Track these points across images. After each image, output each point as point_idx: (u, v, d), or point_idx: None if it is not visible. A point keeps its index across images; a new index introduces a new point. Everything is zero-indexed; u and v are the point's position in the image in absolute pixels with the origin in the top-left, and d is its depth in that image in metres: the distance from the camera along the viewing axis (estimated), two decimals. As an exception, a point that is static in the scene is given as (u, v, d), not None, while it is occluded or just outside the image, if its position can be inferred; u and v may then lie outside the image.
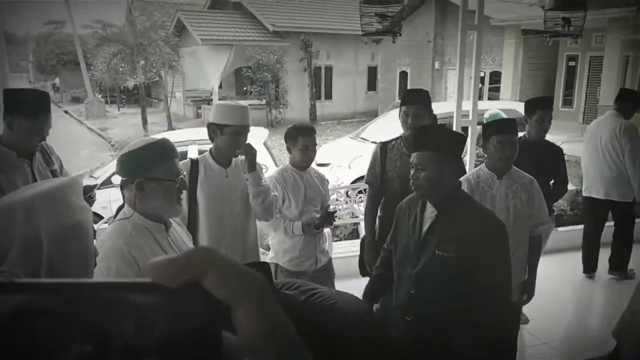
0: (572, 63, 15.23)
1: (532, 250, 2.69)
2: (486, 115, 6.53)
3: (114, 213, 1.80)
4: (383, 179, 3.05)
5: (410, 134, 2.91)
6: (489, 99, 16.16)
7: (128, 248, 1.58)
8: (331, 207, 3.01)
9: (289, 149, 2.99)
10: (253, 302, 0.28)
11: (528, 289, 2.74)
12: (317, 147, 3.01)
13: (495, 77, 16.59)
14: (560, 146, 3.54)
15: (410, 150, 2.17)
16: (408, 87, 19.43)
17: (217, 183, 2.55)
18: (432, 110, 3.00)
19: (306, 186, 2.96)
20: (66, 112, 25.23)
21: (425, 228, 2.00)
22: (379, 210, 3.09)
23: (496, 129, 2.63)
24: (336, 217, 2.95)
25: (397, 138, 3.09)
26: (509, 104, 10.96)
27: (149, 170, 1.62)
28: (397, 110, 3.09)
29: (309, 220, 2.92)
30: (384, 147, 3.08)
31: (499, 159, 2.62)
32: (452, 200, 1.98)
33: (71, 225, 1.17)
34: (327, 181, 3.20)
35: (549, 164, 3.35)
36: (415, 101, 2.93)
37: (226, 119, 2.50)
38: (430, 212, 2.02)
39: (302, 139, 2.90)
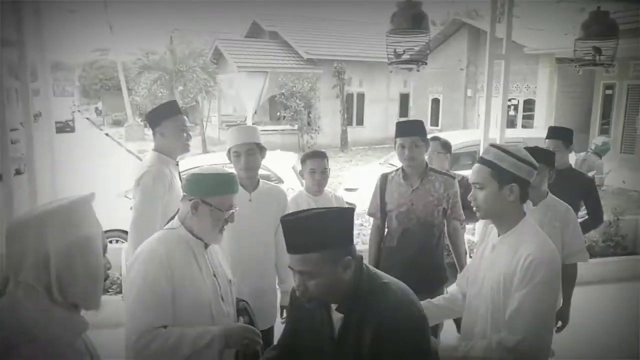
0: (609, 91, 14.91)
1: (566, 278, 2.64)
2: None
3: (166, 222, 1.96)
4: (383, 211, 3.02)
5: (408, 166, 2.92)
6: (523, 126, 15.96)
7: (167, 254, 1.72)
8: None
9: (301, 174, 3.05)
10: None
11: (562, 317, 2.72)
12: (327, 171, 3.01)
13: (529, 105, 16.39)
14: (603, 176, 3.46)
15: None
16: (439, 114, 19.39)
17: (240, 206, 2.55)
18: (428, 141, 2.98)
19: None
20: (107, 134, 26.17)
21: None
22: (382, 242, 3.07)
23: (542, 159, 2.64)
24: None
25: (397, 169, 3.06)
26: (542, 132, 10.82)
27: (208, 195, 1.78)
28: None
29: None
30: (384, 179, 3.07)
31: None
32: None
33: (78, 241, 1.25)
34: (354, 208, 3.21)
35: (579, 196, 3.27)
36: (411, 132, 2.90)
37: (229, 141, 2.62)
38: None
39: (309, 162, 2.97)
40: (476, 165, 1.88)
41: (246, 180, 2.61)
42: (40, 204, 3.44)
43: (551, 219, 2.62)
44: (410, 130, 2.91)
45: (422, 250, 2.86)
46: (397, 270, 2.81)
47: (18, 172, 3.63)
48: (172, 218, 1.89)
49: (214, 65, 20.10)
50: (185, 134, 2.89)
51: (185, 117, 2.97)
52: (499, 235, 1.86)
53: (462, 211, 3.03)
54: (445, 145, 3.68)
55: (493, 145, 1.84)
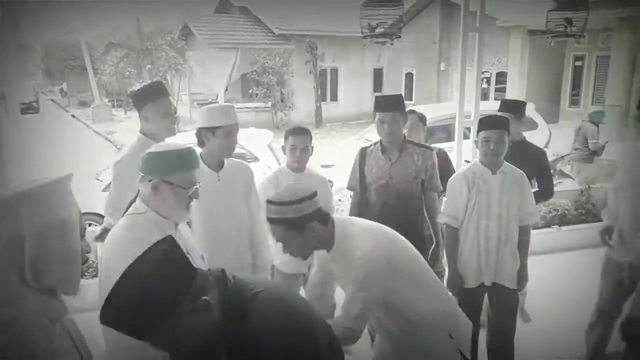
0: (579, 63, 15.18)
1: (521, 240, 2.80)
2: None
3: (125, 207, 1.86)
4: (362, 185, 3.03)
5: (387, 140, 2.92)
6: (495, 99, 16.16)
7: (136, 242, 1.53)
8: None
9: (283, 150, 3.02)
10: None
11: (520, 277, 2.82)
12: (308, 148, 2.97)
13: (501, 77, 16.57)
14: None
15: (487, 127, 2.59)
16: (413, 89, 19.45)
17: (209, 187, 2.47)
18: (406, 115, 3.01)
19: None
20: (73, 116, 25.45)
21: None
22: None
23: (484, 125, 2.73)
24: None
25: (376, 143, 3.07)
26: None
27: (168, 173, 1.70)
28: None
29: None
30: (363, 152, 3.07)
31: (484, 154, 2.73)
32: None
33: (54, 223, 1.20)
34: (330, 183, 3.21)
35: (532, 168, 3.30)
36: (390, 107, 2.91)
37: (217, 120, 2.52)
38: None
39: (291, 138, 2.94)
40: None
41: (218, 161, 2.60)
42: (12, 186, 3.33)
43: (509, 185, 2.73)
44: (389, 105, 2.91)
45: (403, 223, 2.88)
46: None
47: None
48: (133, 201, 1.81)
49: (183, 42, 19.63)
50: (168, 118, 2.80)
51: (170, 99, 2.87)
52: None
53: (439, 182, 3.06)
54: (422, 118, 3.73)
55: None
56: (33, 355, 1.13)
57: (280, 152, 3.23)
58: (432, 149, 3.09)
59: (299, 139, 2.92)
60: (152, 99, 2.77)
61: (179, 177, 1.71)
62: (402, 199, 2.91)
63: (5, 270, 1.17)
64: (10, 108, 3.52)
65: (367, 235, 1.92)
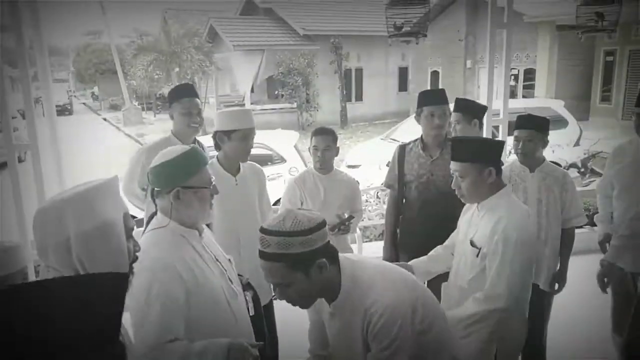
0: (610, 58, 14.78)
1: (564, 242, 2.75)
2: None
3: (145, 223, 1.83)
4: (401, 182, 3.02)
5: (435, 135, 2.91)
6: (524, 96, 15.88)
7: (169, 257, 1.60)
8: (346, 214, 2.99)
9: (309, 151, 3.05)
10: None
11: (560, 279, 2.78)
12: (332, 149, 2.97)
13: (530, 74, 16.27)
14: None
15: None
16: (440, 87, 19.25)
17: (227, 191, 2.49)
18: (449, 110, 2.99)
19: (326, 189, 2.97)
20: (105, 119, 26.06)
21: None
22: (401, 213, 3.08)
23: (516, 124, 2.75)
24: (349, 224, 2.92)
25: (415, 140, 3.05)
26: (542, 101, 10.75)
27: (184, 179, 1.66)
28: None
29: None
30: (402, 150, 3.06)
31: (515, 153, 2.75)
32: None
33: (98, 226, 1.25)
34: (358, 184, 3.20)
35: None
36: (440, 101, 2.89)
37: (234, 124, 2.55)
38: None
39: (314, 139, 2.95)
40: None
41: (235, 164, 2.63)
42: (46, 189, 3.45)
43: (549, 185, 2.69)
44: (438, 99, 2.90)
45: (444, 220, 2.89)
46: (419, 240, 2.87)
47: (19, 160, 3.63)
48: (152, 217, 1.77)
49: (210, 45, 19.89)
50: (189, 117, 2.96)
51: (195, 100, 3.01)
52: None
53: None
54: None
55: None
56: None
57: (306, 152, 3.26)
58: None
59: (323, 140, 2.94)
60: (177, 99, 2.96)
61: (196, 179, 1.69)
62: (443, 196, 2.90)
63: (58, 269, 1.23)
64: (46, 110, 3.64)
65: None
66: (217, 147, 2.61)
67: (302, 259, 1.40)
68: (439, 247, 2.38)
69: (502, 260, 1.88)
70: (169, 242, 1.66)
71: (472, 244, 2.03)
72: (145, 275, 1.57)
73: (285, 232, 1.39)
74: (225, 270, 1.81)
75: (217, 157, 2.66)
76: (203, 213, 1.74)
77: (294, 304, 1.53)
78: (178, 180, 1.66)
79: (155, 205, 1.73)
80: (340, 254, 1.56)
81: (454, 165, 2.05)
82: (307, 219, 1.43)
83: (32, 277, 2.61)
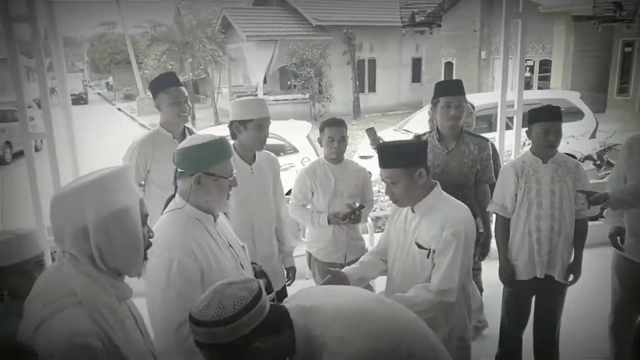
0: (628, 49, 14.52)
1: (577, 233, 2.73)
2: None
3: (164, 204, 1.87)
4: None
5: (451, 127, 2.90)
6: (539, 88, 15.68)
7: (184, 237, 1.65)
8: (357, 203, 3.00)
9: (319, 142, 3.05)
10: None
11: (574, 270, 2.76)
12: (345, 139, 2.98)
13: (545, 65, 16.05)
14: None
15: (380, 165, 2.08)
16: (454, 78, 19.06)
17: (243, 179, 2.47)
18: (466, 101, 2.98)
19: (337, 179, 2.98)
20: (119, 109, 26.27)
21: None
22: None
23: (540, 117, 2.67)
24: (360, 213, 2.92)
25: (431, 131, 3.05)
26: (558, 93, 10.61)
27: (208, 166, 1.70)
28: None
29: (335, 212, 2.95)
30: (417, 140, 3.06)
31: (541, 146, 2.68)
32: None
33: (115, 212, 1.27)
34: (370, 175, 3.19)
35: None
36: (456, 92, 2.89)
37: (249, 113, 2.56)
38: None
39: (327, 130, 2.95)
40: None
41: (250, 153, 2.65)
42: (62, 177, 3.51)
43: (562, 176, 2.67)
44: (455, 90, 2.90)
45: None
46: None
47: (35, 149, 3.69)
48: (170, 199, 1.81)
49: (222, 35, 19.90)
50: (178, 107, 2.93)
51: (181, 88, 2.96)
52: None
53: (493, 174, 3.05)
54: (473, 107, 3.66)
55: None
56: (103, 330, 1.21)
57: (314, 141, 3.25)
58: (487, 140, 3.08)
59: (335, 130, 2.94)
60: (163, 89, 2.92)
61: (219, 168, 1.72)
62: (457, 188, 2.89)
63: (75, 255, 1.25)
64: (61, 99, 3.69)
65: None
66: (234, 136, 2.63)
67: (235, 347, 1.25)
68: (368, 253, 2.41)
69: (454, 254, 1.93)
70: (184, 223, 1.70)
71: (419, 246, 2.03)
72: (163, 255, 1.62)
73: (208, 322, 1.23)
74: (238, 256, 1.84)
75: (233, 146, 2.67)
76: (220, 201, 1.78)
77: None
78: (201, 165, 1.70)
79: (176, 188, 1.78)
80: (295, 305, 1.41)
81: (384, 173, 2.06)
82: (234, 302, 1.25)
83: (48, 263, 2.66)
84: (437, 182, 2.13)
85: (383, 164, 2.05)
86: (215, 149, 1.73)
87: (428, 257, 1.99)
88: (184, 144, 1.76)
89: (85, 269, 1.25)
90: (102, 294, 1.25)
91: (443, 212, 2.00)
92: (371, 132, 3.23)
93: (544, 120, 2.64)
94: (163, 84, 2.94)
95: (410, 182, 2.01)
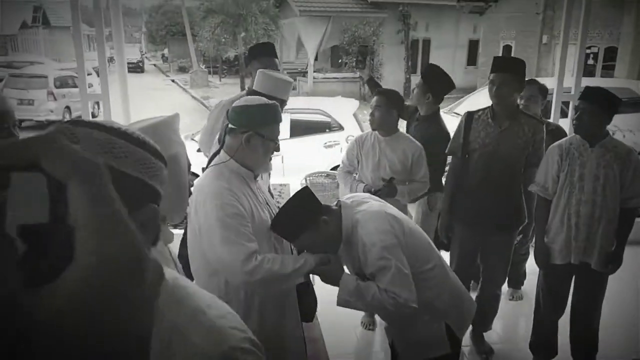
0: None
1: (621, 222, 2.62)
2: None
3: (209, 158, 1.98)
4: (465, 150, 2.96)
5: (496, 103, 2.83)
6: (602, 76, 14.88)
7: (229, 186, 1.75)
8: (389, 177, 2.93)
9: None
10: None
11: (614, 259, 2.66)
12: (383, 110, 2.94)
13: (611, 53, 15.19)
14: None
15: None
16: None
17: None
18: (523, 82, 2.84)
19: (382, 151, 2.97)
20: (173, 80, 26.90)
21: None
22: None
23: (492, 68, 2.74)
24: (387, 186, 2.85)
25: (485, 109, 2.95)
26: (621, 81, 10.05)
27: (259, 127, 1.79)
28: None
29: (371, 185, 2.94)
30: (469, 117, 2.97)
31: (575, 124, 2.61)
32: None
33: (170, 158, 1.33)
34: (423, 151, 3.05)
35: None
36: (502, 69, 2.78)
37: (273, 90, 2.58)
38: None
39: (372, 99, 2.96)
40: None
41: None
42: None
43: (609, 161, 2.56)
44: (502, 67, 2.80)
45: (504, 192, 2.83)
46: (476, 210, 2.88)
47: (92, 116, 3.89)
48: (216, 154, 1.89)
49: (277, 10, 19.92)
50: None
51: (274, 60, 3.00)
52: None
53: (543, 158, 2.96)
54: (542, 90, 3.52)
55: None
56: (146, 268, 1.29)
57: (366, 123, 3.24)
58: (542, 123, 2.99)
59: (377, 99, 2.95)
60: (257, 57, 2.99)
61: (269, 130, 1.81)
62: (507, 168, 2.84)
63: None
64: (119, 67, 3.83)
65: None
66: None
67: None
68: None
69: (393, 272, 1.76)
70: (228, 176, 1.80)
71: (363, 278, 1.87)
72: (210, 203, 1.72)
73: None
74: (273, 215, 1.91)
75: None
76: (263, 162, 1.87)
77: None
78: (254, 125, 1.79)
79: (223, 142, 1.87)
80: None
81: (298, 243, 1.89)
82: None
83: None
84: (340, 205, 1.96)
85: (291, 239, 1.91)
86: (268, 112, 1.83)
87: (368, 279, 1.86)
88: (241, 102, 1.85)
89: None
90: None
91: (357, 238, 1.85)
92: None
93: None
94: (258, 53, 3.04)
95: (318, 237, 1.86)
